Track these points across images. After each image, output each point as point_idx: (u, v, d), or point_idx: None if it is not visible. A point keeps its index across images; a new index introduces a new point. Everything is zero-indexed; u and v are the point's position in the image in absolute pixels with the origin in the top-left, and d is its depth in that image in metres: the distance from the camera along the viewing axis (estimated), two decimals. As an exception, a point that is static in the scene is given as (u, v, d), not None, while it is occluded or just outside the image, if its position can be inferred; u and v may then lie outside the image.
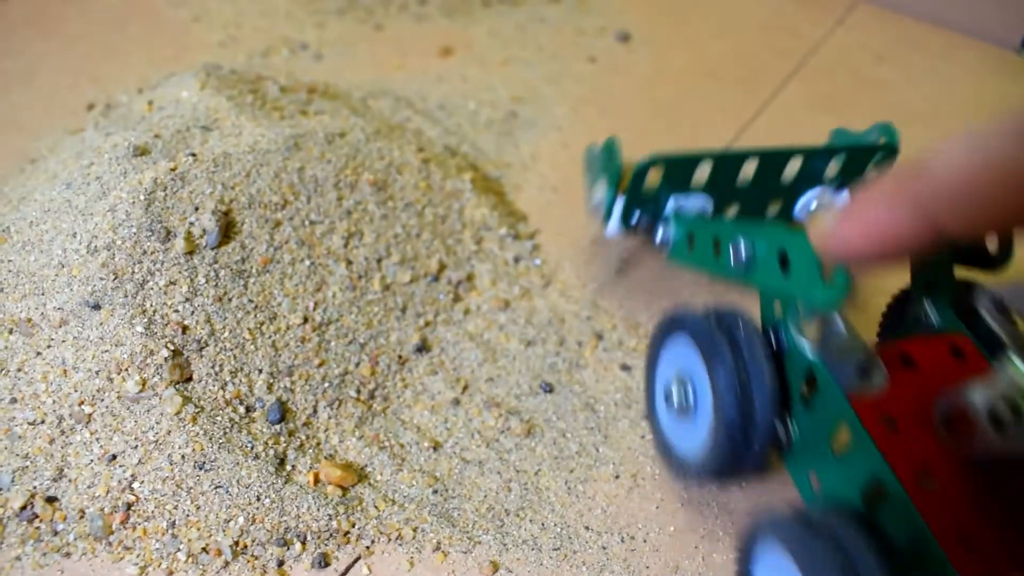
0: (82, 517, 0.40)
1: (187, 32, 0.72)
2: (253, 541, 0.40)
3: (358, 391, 0.46)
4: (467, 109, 0.66)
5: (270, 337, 0.45)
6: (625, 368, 0.50)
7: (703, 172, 0.47)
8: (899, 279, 0.42)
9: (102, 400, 0.41)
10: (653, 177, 0.47)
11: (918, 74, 0.75)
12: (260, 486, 0.41)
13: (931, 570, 0.31)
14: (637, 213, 0.49)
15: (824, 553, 0.30)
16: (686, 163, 0.47)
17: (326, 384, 0.46)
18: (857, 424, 0.34)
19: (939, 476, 0.33)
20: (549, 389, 0.48)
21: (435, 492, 0.44)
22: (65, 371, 0.42)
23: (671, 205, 0.48)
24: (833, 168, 0.49)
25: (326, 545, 0.41)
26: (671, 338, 0.43)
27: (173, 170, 0.46)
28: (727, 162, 0.47)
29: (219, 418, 0.42)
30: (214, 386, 0.43)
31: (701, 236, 0.44)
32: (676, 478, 0.45)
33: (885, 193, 0.30)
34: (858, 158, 0.48)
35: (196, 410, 0.42)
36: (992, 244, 0.39)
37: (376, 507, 0.42)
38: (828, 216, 0.32)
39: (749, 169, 0.48)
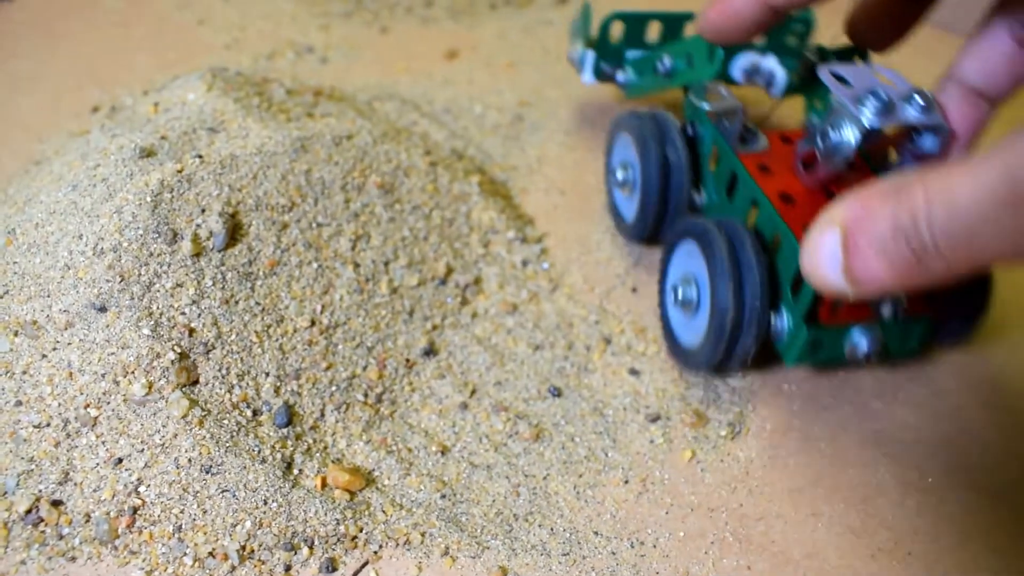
0: (88, 521, 0.40)
1: (192, 35, 0.72)
2: (260, 546, 0.40)
3: (365, 395, 0.46)
4: (473, 112, 0.66)
5: (277, 340, 0.45)
6: (634, 372, 0.49)
7: (654, 30, 0.61)
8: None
9: (108, 403, 0.41)
10: (616, 33, 0.61)
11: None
12: (267, 490, 0.41)
13: (787, 255, 0.44)
14: (604, 65, 0.62)
15: (718, 238, 0.45)
16: (639, 19, 0.60)
17: (333, 387, 0.45)
18: (742, 168, 0.48)
19: (798, 198, 0.46)
20: (557, 393, 0.48)
21: (443, 497, 0.43)
22: (71, 374, 0.42)
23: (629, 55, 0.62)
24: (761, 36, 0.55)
25: (333, 550, 0.41)
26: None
27: (180, 172, 0.46)
28: (672, 21, 0.60)
29: (226, 421, 0.42)
30: (221, 389, 0.43)
31: (644, 66, 0.59)
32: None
33: None
34: (779, 29, 0.55)
35: (203, 413, 0.41)
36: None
37: (384, 512, 0.42)
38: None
39: (691, 29, 0.56)
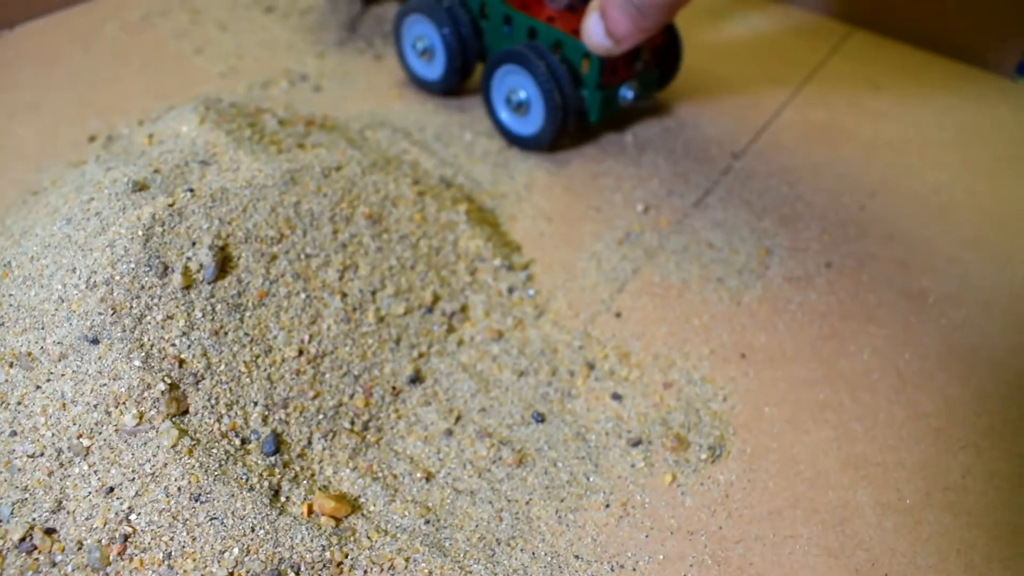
0: (80, 548, 0.41)
1: (189, 64, 0.74)
2: (248, 572, 0.41)
3: (352, 422, 0.47)
4: (463, 140, 0.67)
5: (265, 370, 0.46)
6: (616, 397, 0.50)
7: None
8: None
9: (100, 433, 0.42)
10: None
11: (914, 102, 0.75)
12: (255, 517, 0.42)
13: (571, 50, 0.62)
14: None
15: (533, 56, 0.62)
16: None
17: (320, 416, 0.46)
18: (515, 12, 0.64)
19: (557, 18, 0.64)
20: (541, 419, 0.49)
21: (427, 522, 0.44)
22: (64, 404, 0.43)
23: None
24: None
25: (319, 575, 0.42)
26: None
27: (171, 205, 0.47)
28: None
29: (215, 450, 0.43)
30: (210, 419, 0.44)
31: None
32: None
33: None
34: None
35: (192, 443, 0.42)
36: None
37: (369, 538, 0.43)
38: None
39: None
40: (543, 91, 0.62)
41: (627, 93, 0.64)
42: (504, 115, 0.67)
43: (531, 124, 0.65)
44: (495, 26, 0.66)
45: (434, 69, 0.70)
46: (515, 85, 0.64)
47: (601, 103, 0.63)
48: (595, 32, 0.56)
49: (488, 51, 0.68)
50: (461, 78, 0.70)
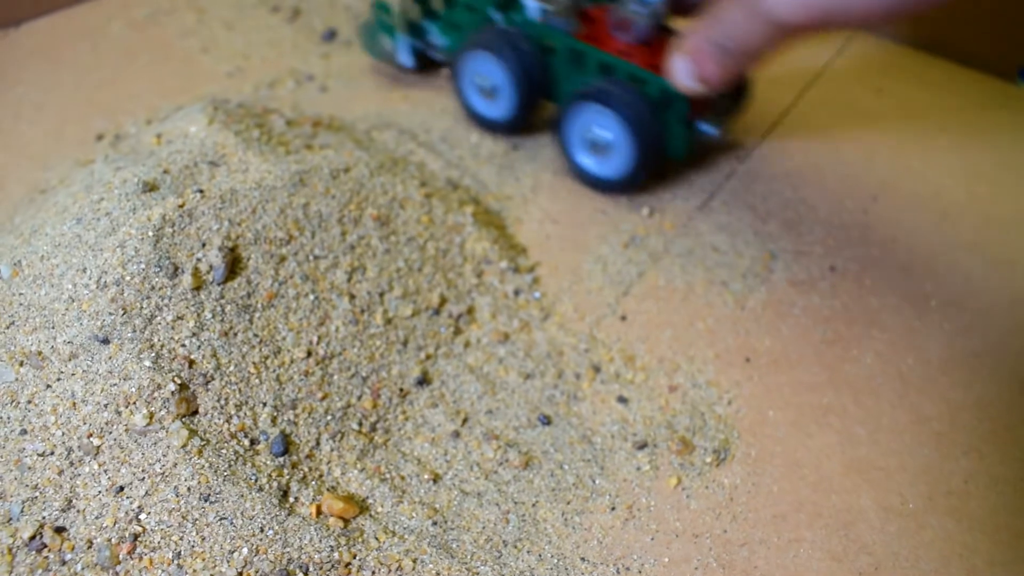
0: (90, 547, 0.41)
1: (196, 63, 0.74)
2: (256, 572, 0.41)
3: (360, 424, 0.47)
4: (469, 142, 0.67)
5: (274, 371, 0.46)
6: (622, 400, 0.51)
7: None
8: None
9: (110, 433, 0.42)
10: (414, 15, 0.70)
11: (916, 105, 0.76)
12: (264, 518, 0.42)
13: (653, 87, 0.59)
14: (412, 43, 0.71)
15: (617, 95, 0.59)
16: None
17: (329, 417, 0.47)
18: (587, 47, 0.61)
19: (631, 52, 0.60)
20: (547, 421, 0.49)
21: (435, 524, 0.45)
22: (74, 404, 0.43)
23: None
24: None
25: (328, 576, 0.42)
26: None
27: (181, 206, 0.47)
28: None
29: (224, 451, 0.43)
30: (219, 419, 0.44)
31: (456, 18, 0.68)
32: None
33: None
34: None
35: (202, 443, 0.43)
36: None
37: (377, 539, 0.43)
38: None
39: None
40: (632, 131, 0.59)
41: (710, 129, 0.61)
42: (583, 158, 0.63)
43: (615, 166, 0.62)
44: (563, 61, 0.63)
45: (498, 108, 0.66)
46: (596, 125, 0.61)
47: (688, 139, 0.61)
48: (682, 74, 0.54)
49: (556, 88, 0.65)
50: (527, 117, 0.67)
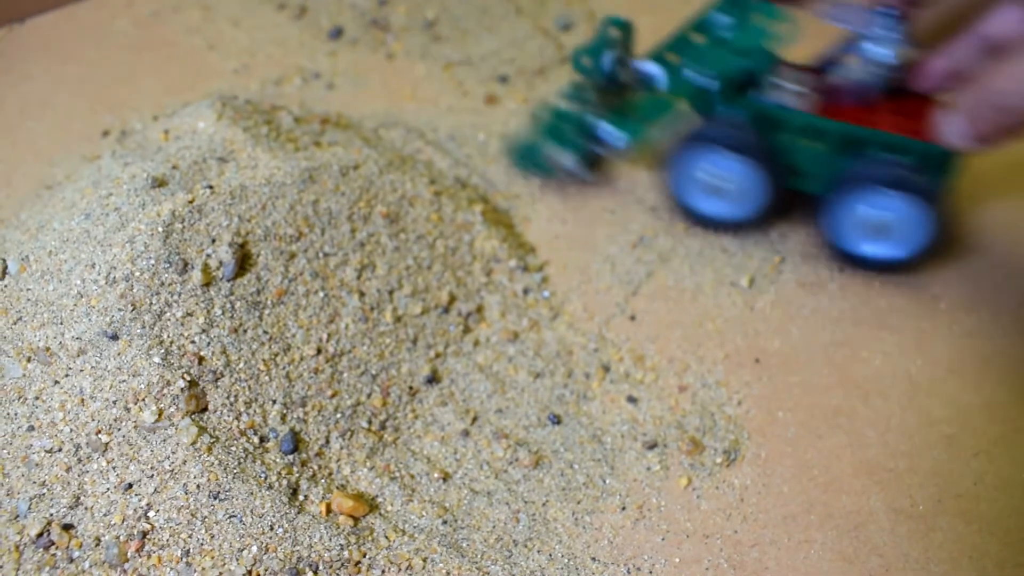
0: (98, 545, 0.41)
1: (202, 60, 0.73)
2: (266, 570, 0.41)
3: (369, 422, 0.47)
4: (477, 140, 0.67)
5: (284, 368, 0.46)
6: (632, 400, 0.51)
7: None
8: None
9: (119, 429, 0.42)
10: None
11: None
12: (273, 516, 0.42)
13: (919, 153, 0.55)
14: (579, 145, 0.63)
15: (908, 177, 0.55)
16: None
17: (338, 415, 0.46)
18: (840, 125, 0.56)
19: (875, 118, 0.56)
20: (557, 421, 0.49)
21: (444, 523, 0.44)
22: (83, 400, 0.43)
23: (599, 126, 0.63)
24: None
25: (337, 575, 0.42)
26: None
27: (191, 202, 0.47)
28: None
29: (233, 448, 0.43)
30: (229, 416, 0.44)
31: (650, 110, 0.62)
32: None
33: None
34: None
35: (211, 440, 0.42)
36: None
37: (387, 537, 0.43)
38: None
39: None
40: (928, 208, 0.55)
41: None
42: (865, 247, 0.58)
43: (900, 245, 0.58)
44: (797, 143, 0.58)
45: (730, 206, 0.60)
46: (876, 208, 0.57)
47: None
48: (957, 134, 0.53)
49: (796, 174, 0.59)
50: (769, 215, 0.61)
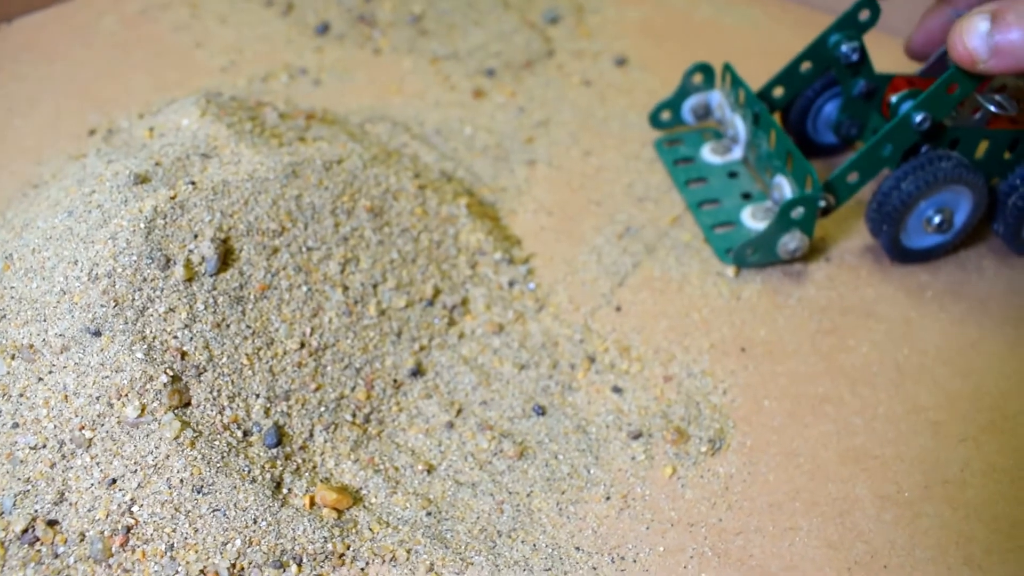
0: (82, 540, 0.41)
1: (189, 57, 0.74)
2: (250, 563, 0.41)
3: (354, 415, 0.47)
4: (463, 134, 0.67)
5: (267, 362, 0.46)
6: (617, 390, 0.51)
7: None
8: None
9: (102, 425, 0.42)
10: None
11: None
12: (257, 509, 0.42)
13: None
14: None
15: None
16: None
17: (322, 408, 0.47)
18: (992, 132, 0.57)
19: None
20: (542, 412, 0.49)
21: (429, 514, 0.44)
22: (66, 396, 0.43)
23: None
24: None
25: (321, 567, 0.42)
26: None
27: (173, 198, 0.47)
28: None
29: (217, 442, 0.43)
30: (212, 411, 0.44)
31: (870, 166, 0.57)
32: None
33: None
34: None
35: (194, 435, 0.43)
36: None
37: (371, 529, 0.43)
38: None
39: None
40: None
41: None
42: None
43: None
44: (970, 154, 0.58)
45: (944, 234, 0.59)
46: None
47: None
48: (975, 38, 0.48)
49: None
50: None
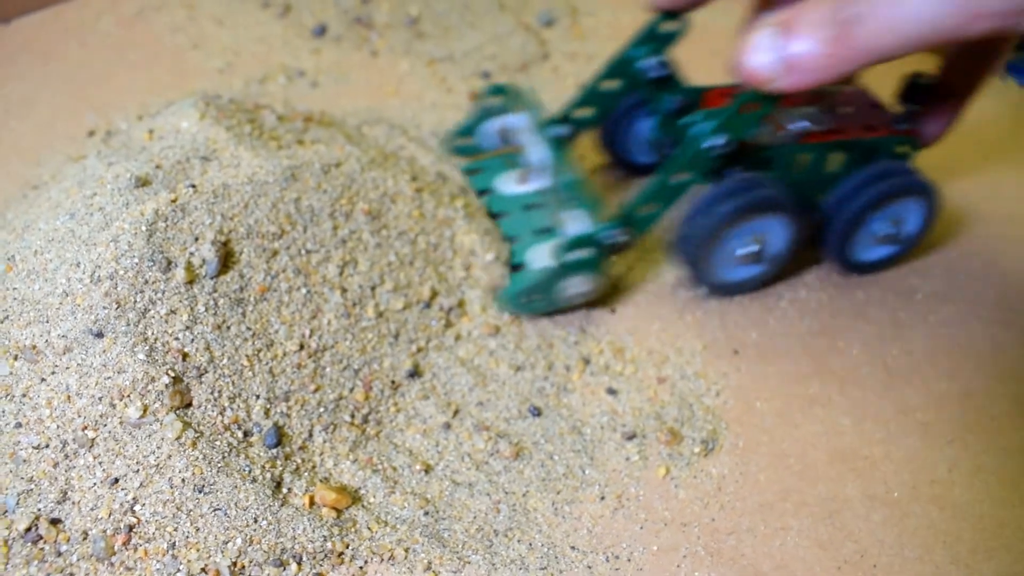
0: (85, 539, 0.42)
1: (186, 59, 0.74)
2: (250, 562, 0.42)
3: (352, 416, 0.48)
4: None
5: (267, 364, 0.47)
6: (611, 392, 0.51)
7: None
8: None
9: (105, 425, 0.43)
10: None
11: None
12: (257, 508, 0.42)
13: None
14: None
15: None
16: None
17: (321, 409, 0.47)
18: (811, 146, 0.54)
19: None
20: (537, 413, 0.50)
21: (426, 514, 0.45)
22: (69, 397, 0.43)
23: None
24: None
25: (321, 565, 0.43)
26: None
27: (174, 201, 0.47)
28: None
29: (218, 443, 0.44)
30: (213, 412, 0.44)
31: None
32: None
33: None
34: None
35: (196, 435, 0.43)
36: None
37: (369, 528, 0.44)
38: None
39: None
40: (930, 202, 0.57)
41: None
42: (877, 251, 0.58)
43: (908, 238, 0.58)
44: (788, 171, 0.55)
45: (759, 266, 0.56)
46: (890, 216, 0.56)
47: None
48: (763, 53, 0.42)
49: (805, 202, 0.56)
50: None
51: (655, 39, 0.57)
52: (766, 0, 0.54)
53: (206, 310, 0.46)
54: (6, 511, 0.42)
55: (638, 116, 0.61)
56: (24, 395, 0.44)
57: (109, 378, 0.43)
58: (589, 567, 0.44)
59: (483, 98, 0.60)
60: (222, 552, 0.42)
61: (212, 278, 0.47)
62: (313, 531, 0.43)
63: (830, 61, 0.40)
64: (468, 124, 0.61)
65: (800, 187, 0.55)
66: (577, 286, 0.52)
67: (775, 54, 0.41)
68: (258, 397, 0.46)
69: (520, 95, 0.58)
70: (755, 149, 0.53)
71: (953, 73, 0.55)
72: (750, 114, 0.49)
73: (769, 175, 0.53)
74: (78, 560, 0.41)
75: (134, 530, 0.42)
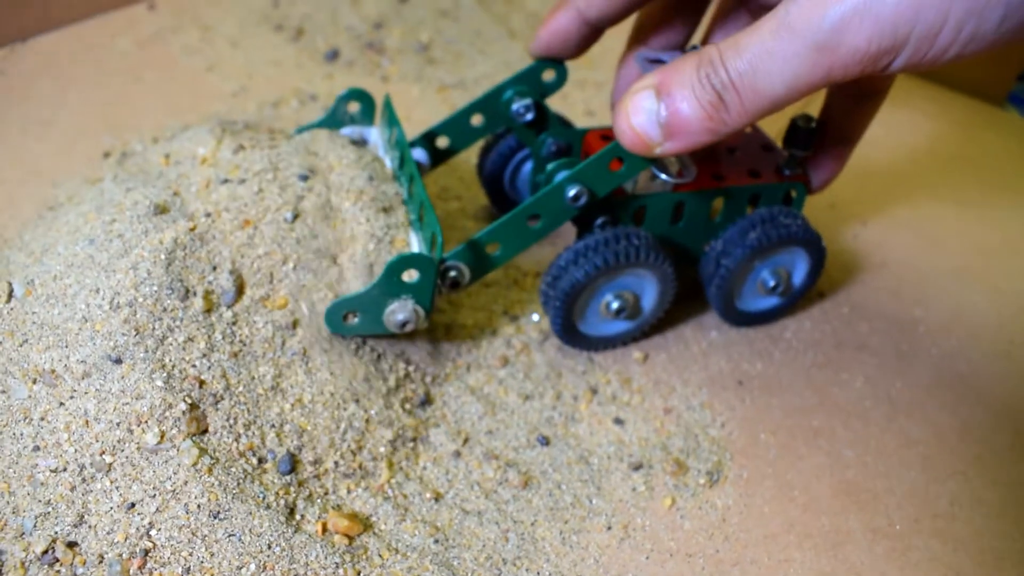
0: (101, 562, 0.42)
1: (201, 81, 0.75)
2: (264, 588, 0.43)
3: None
4: (470, 162, 0.68)
5: (282, 391, 0.48)
6: (618, 422, 0.52)
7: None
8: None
9: (122, 450, 0.44)
10: None
11: (905, 130, 0.77)
12: (271, 535, 0.43)
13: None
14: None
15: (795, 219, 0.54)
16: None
17: (334, 436, 0.48)
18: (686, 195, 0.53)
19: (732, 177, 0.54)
20: (545, 442, 0.51)
21: (436, 541, 0.46)
22: (87, 422, 0.44)
23: None
24: None
25: (333, 592, 0.43)
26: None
27: (192, 230, 0.48)
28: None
29: (233, 469, 0.44)
30: (228, 438, 0.45)
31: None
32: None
33: None
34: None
35: (212, 461, 0.44)
36: None
37: (380, 556, 0.45)
38: None
39: None
40: (815, 253, 0.56)
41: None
42: (764, 302, 0.58)
43: (789, 295, 0.58)
44: (662, 221, 0.54)
45: (632, 320, 0.55)
46: (776, 267, 0.56)
47: None
48: (642, 115, 0.41)
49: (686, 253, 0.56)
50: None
51: (531, 82, 0.56)
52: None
53: (223, 338, 0.47)
54: (23, 533, 0.43)
55: (524, 155, 0.61)
56: (43, 419, 0.45)
57: (127, 404, 0.44)
58: (596, 597, 0.45)
59: (340, 103, 0.56)
60: (236, 577, 0.42)
61: (229, 307, 0.47)
62: (326, 558, 0.43)
63: (709, 124, 0.40)
64: (320, 124, 0.57)
65: (681, 235, 0.54)
66: (399, 312, 0.47)
67: (653, 117, 0.41)
68: (272, 425, 0.47)
69: (384, 107, 0.56)
70: (626, 199, 0.52)
71: (835, 115, 0.55)
72: (613, 172, 0.48)
73: (642, 225, 0.52)
74: (94, 583, 0.42)
75: (150, 554, 0.43)
